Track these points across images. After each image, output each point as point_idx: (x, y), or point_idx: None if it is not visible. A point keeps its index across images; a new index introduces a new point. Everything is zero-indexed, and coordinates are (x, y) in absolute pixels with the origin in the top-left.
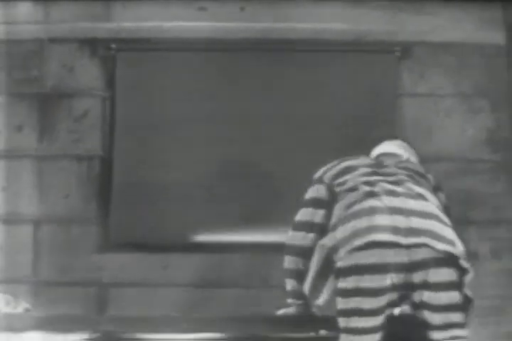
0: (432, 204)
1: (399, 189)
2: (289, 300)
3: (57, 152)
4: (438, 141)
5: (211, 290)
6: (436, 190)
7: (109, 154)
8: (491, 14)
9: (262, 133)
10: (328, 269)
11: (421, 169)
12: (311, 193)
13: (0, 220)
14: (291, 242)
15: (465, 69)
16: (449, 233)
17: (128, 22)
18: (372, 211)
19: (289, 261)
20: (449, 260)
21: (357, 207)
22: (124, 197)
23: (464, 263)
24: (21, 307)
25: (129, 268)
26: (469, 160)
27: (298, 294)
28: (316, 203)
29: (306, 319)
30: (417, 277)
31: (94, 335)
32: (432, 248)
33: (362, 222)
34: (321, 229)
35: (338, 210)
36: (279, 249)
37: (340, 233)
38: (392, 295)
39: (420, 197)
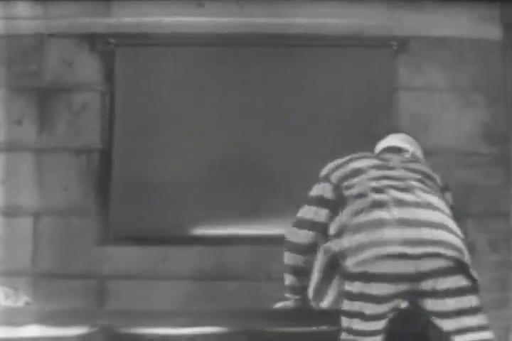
0: (441, 212)
1: (408, 197)
2: (287, 295)
3: (57, 145)
4: (434, 134)
5: (210, 282)
6: (443, 190)
7: (108, 147)
8: (488, 10)
9: (261, 126)
10: (332, 272)
11: (428, 169)
12: (316, 191)
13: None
14: (291, 239)
15: (461, 64)
16: (457, 241)
17: (127, 17)
18: (381, 223)
19: (288, 257)
20: (458, 268)
21: (365, 218)
22: (124, 189)
23: (473, 273)
24: (21, 300)
25: (129, 261)
26: (466, 154)
27: (296, 289)
28: (320, 202)
29: (306, 313)
30: (426, 285)
31: (93, 330)
32: (442, 257)
33: (370, 235)
34: (323, 229)
35: (345, 216)
36: (278, 241)
37: (347, 242)
38: (398, 302)
39: (429, 206)
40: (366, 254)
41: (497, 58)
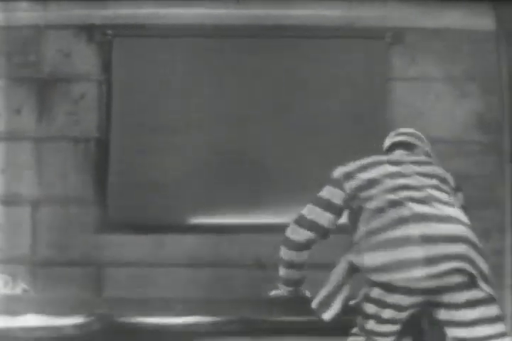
0: (460, 224)
1: (428, 210)
2: (281, 286)
3: (55, 134)
4: (428, 123)
5: (206, 270)
6: (456, 190)
7: (105, 136)
8: (481, 1)
9: (257, 116)
10: (347, 279)
11: (440, 170)
12: (325, 194)
13: None
14: (289, 235)
15: (455, 55)
16: (476, 256)
17: (124, 9)
18: (404, 241)
19: (284, 253)
20: (477, 282)
21: (386, 236)
22: (121, 178)
23: (487, 288)
24: (19, 287)
25: (127, 249)
26: (459, 142)
27: (289, 281)
28: (327, 206)
29: (301, 302)
30: (446, 298)
31: (90, 319)
32: (463, 273)
33: (394, 254)
34: (322, 232)
35: (365, 231)
36: (274, 230)
37: (370, 260)
38: (415, 309)
39: (450, 219)
40: (390, 275)
41: (491, 49)
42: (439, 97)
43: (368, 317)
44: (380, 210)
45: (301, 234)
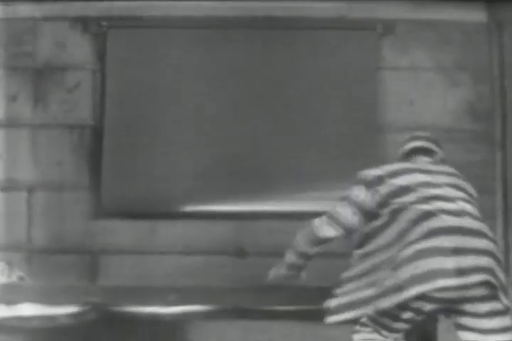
0: (488, 240)
1: (459, 223)
2: (282, 269)
3: (51, 121)
4: (419, 111)
5: (199, 257)
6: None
7: (100, 124)
8: None
9: (250, 107)
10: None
11: (463, 179)
12: (360, 194)
13: None
14: (316, 230)
15: (447, 45)
16: (498, 268)
17: (119, 0)
18: (435, 252)
19: (301, 244)
20: (497, 294)
21: (420, 246)
22: (115, 165)
23: (505, 300)
24: (15, 275)
25: (121, 235)
26: (450, 130)
27: (294, 267)
28: (360, 207)
29: (294, 291)
30: (466, 307)
31: (84, 308)
32: (488, 285)
33: (426, 264)
34: (349, 231)
35: (393, 234)
36: (265, 217)
37: (406, 272)
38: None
39: (479, 233)
40: (419, 285)
41: (482, 39)
42: (430, 86)
43: (386, 314)
44: (415, 222)
45: (329, 231)
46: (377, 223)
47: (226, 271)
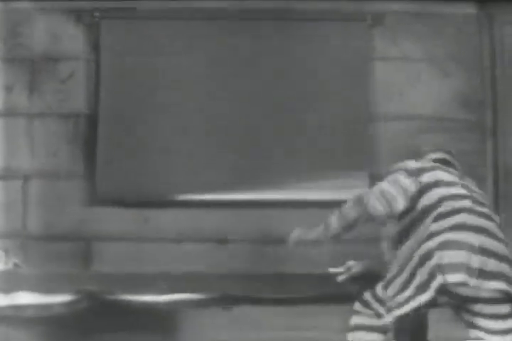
0: (505, 244)
1: (487, 224)
2: (315, 233)
3: (46, 111)
4: (410, 101)
5: (191, 244)
6: None
7: (94, 113)
8: None
9: (245, 95)
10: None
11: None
12: (402, 179)
13: None
14: (367, 204)
15: (437, 36)
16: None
17: None
18: (462, 246)
19: (349, 214)
20: (508, 298)
21: (446, 238)
22: (110, 153)
23: None
24: (11, 262)
25: (114, 223)
26: (440, 119)
27: (328, 231)
28: (404, 190)
29: (282, 279)
30: (477, 307)
31: (77, 296)
32: (504, 291)
33: (454, 255)
34: (393, 212)
35: (424, 229)
36: (256, 205)
37: (432, 261)
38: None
39: (500, 239)
40: (442, 276)
41: (472, 30)
42: (420, 77)
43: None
44: (444, 215)
45: (379, 208)
46: (407, 221)
47: (217, 259)
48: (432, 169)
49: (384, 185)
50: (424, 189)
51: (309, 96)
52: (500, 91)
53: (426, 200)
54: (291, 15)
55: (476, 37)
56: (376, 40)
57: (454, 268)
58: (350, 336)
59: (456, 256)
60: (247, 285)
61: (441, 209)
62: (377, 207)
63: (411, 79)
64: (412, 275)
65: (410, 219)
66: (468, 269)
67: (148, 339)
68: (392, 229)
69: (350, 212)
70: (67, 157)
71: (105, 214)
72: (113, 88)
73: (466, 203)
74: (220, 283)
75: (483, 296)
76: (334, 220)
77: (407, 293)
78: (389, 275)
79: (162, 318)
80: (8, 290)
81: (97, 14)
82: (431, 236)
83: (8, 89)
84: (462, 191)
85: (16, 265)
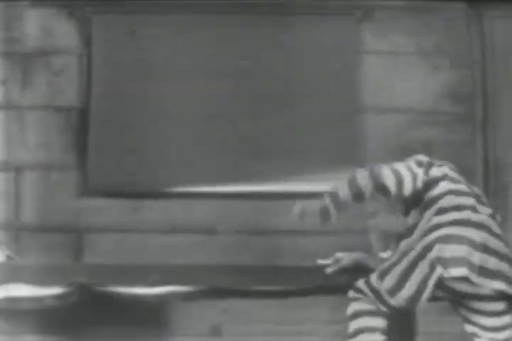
0: (505, 243)
1: (489, 223)
2: (325, 200)
3: (39, 104)
4: (399, 94)
5: (182, 236)
6: None
7: (86, 105)
8: None
9: (239, 89)
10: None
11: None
12: (414, 167)
13: None
14: (384, 181)
15: (426, 30)
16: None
17: None
18: (464, 241)
19: (364, 184)
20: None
21: (448, 231)
22: (101, 145)
23: None
24: (3, 254)
25: (106, 214)
26: (430, 112)
27: (337, 200)
28: (414, 177)
29: (273, 271)
30: (475, 304)
31: (69, 289)
32: (503, 292)
33: (455, 249)
34: (404, 194)
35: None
36: (244, 197)
37: (433, 253)
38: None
39: (502, 238)
40: (443, 269)
41: (462, 24)
42: (410, 70)
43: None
44: (447, 209)
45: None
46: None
47: (206, 250)
48: (441, 165)
49: (397, 165)
50: (431, 182)
51: (298, 89)
52: (490, 85)
53: (432, 193)
54: (280, 9)
55: (466, 30)
56: (366, 34)
57: (456, 262)
58: (353, 324)
59: (457, 250)
60: (237, 277)
61: (445, 203)
62: (388, 182)
63: (401, 73)
64: (412, 267)
65: (416, 214)
66: (469, 264)
67: (139, 331)
68: (389, 222)
69: (361, 181)
70: (60, 149)
71: (97, 205)
72: (105, 81)
73: (470, 201)
74: (209, 276)
75: (479, 293)
76: (343, 188)
77: (407, 287)
78: (386, 265)
79: (153, 310)
80: (2, 281)
81: (89, 9)
82: (433, 229)
83: (2, 82)
84: (467, 189)
85: (8, 257)
